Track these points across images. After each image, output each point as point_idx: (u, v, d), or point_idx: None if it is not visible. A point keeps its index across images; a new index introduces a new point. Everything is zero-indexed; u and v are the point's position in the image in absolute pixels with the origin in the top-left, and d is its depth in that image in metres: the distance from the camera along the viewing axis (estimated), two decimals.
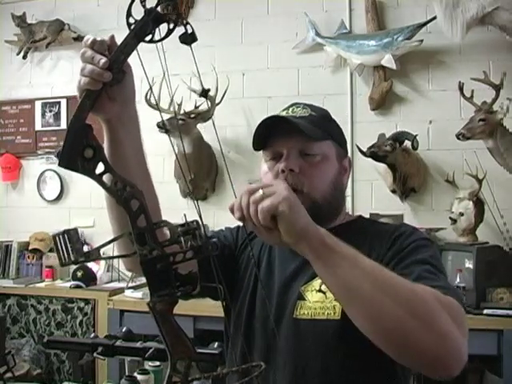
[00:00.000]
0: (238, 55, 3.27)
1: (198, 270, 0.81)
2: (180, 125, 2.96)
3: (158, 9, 0.73)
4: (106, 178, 0.72)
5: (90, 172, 0.70)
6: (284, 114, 1.14)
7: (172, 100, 3.08)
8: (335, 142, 1.14)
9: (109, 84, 0.78)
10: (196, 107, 3.04)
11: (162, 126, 2.86)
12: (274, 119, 1.10)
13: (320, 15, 3.14)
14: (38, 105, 3.66)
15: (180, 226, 0.68)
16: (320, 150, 1.10)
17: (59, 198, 3.60)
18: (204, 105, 3.04)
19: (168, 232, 0.70)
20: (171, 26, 0.73)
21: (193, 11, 3.41)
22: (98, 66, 0.78)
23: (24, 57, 3.66)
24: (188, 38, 0.74)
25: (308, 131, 1.07)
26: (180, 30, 0.75)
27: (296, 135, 1.07)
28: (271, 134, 1.11)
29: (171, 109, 2.96)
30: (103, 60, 0.77)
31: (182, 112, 3.00)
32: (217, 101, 3.00)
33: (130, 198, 0.69)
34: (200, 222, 0.68)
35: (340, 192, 1.15)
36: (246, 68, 3.26)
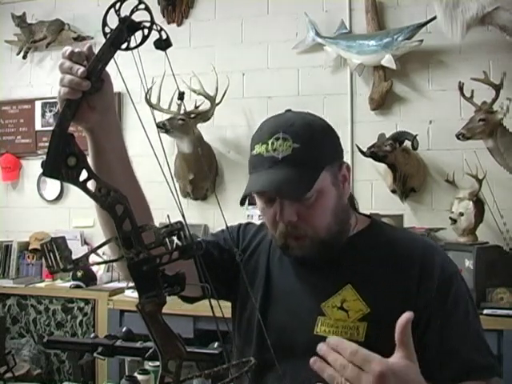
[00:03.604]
0: (238, 55, 3.27)
1: (196, 271, 0.81)
2: (180, 125, 2.96)
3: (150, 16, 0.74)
4: (90, 184, 0.73)
5: (73, 179, 0.72)
6: (263, 149, 1.03)
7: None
8: (328, 166, 1.04)
9: (88, 93, 0.80)
10: (196, 107, 3.04)
11: (161, 126, 2.87)
12: (257, 181, 1.03)
13: (320, 15, 3.13)
14: (37, 105, 3.66)
15: (164, 227, 0.68)
16: (313, 191, 1.02)
17: (59, 197, 3.60)
18: (204, 105, 3.04)
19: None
20: (146, 32, 0.75)
21: (193, 11, 3.41)
22: (77, 76, 0.79)
23: (24, 57, 3.66)
24: (162, 44, 0.76)
25: (293, 193, 1.00)
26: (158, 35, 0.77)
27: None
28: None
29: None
30: (81, 69, 0.79)
31: (181, 112, 3.01)
32: (217, 101, 3.01)
33: (115, 203, 0.70)
34: (184, 223, 0.69)
35: (344, 214, 1.10)
36: (246, 68, 3.26)
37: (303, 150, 1.01)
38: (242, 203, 1.08)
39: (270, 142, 1.02)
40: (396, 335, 0.80)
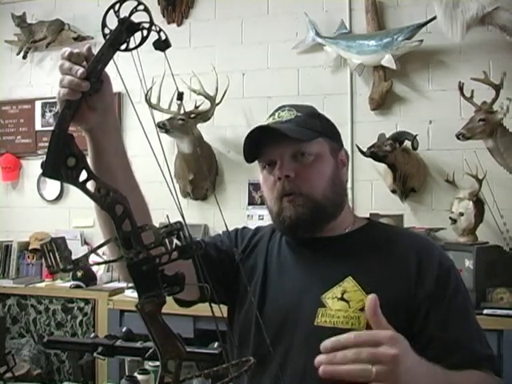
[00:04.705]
0: (238, 55, 3.27)
1: (195, 273, 0.81)
2: (180, 125, 2.96)
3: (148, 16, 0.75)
4: (89, 185, 0.73)
5: (73, 180, 0.72)
6: (271, 120, 1.14)
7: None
8: (326, 138, 1.13)
9: (87, 93, 0.81)
10: (196, 107, 3.04)
11: (161, 126, 2.87)
12: (260, 130, 1.10)
13: (320, 15, 3.13)
14: (37, 105, 3.66)
15: (164, 227, 0.69)
16: (312, 150, 1.10)
17: (59, 197, 3.60)
18: (204, 105, 3.04)
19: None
20: (145, 33, 0.75)
21: (193, 11, 3.41)
22: (76, 77, 0.79)
23: (24, 57, 3.66)
24: (161, 45, 0.76)
25: (295, 134, 1.07)
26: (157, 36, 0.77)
27: (285, 140, 1.07)
28: (261, 143, 1.11)
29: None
30: (80, 70, 0.79)
31: (181, 112, 3.01)
32: (217, 101, 3.01)
33: (114, 203, 0.70)
34: (183, 223, 0.69)
35: (340, 187, 1.15)
36: (246, 68, 3.26)
37: (305, 118, 1.12)
38: (249, 159, 1.14)
39: (276, 114, 1.15)
40: (369, 317, 0.79)
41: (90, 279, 3.08)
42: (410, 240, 1.14)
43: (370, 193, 3.02)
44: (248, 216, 3.11)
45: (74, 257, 0.70)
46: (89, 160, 0.84)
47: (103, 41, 0.77)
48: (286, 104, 1.17)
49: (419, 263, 1.07)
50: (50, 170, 0.72)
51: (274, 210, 1.13)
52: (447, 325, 1.02)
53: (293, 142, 1.07)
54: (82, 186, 0.72)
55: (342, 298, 1.04)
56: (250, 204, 3.17)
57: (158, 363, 1.66)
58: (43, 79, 3.62)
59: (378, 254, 1.10)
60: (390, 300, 1.02)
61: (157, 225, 0.72)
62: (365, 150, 2.76)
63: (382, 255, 1.09)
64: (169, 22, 3.37)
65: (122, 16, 0.75)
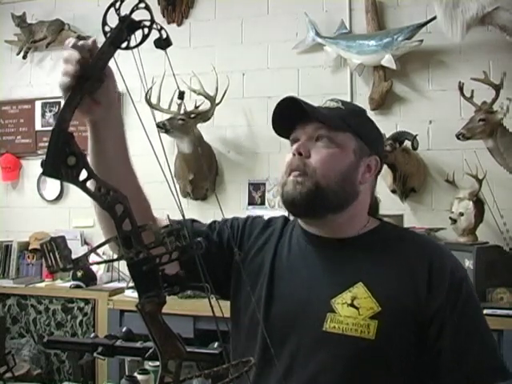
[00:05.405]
0: (238, 55, 3.27)
1: (192, 269, 0.81)
2: (180, 125, 2.96)
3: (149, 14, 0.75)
4: (89, 184, 0.73)
5: (73, 179, 0.72)
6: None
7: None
8: (358, 137, 1.12)
9: (89, 90, 0.81)
10: (196, 107, 3.04)
11: (161, 126, 2.87)
12: (289, 103, 1.10)
13: (320, 15, 3.14)
14: (37, 105, 3.66)
15: (164, 227, 0.68)
16: (335, 139, 1.09)
17: (59, 197, 3.60)
18: (204, 105, 3.04)
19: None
20: (146, 31, 0.75)
21: (193, 11, 3.41)
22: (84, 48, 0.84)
23: (24, 57, 3.66)
24: (162, 43, 0.76)
25: (322, 117, 1.08)
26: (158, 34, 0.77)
27: (314, 122, 1.09)
28: (295, 120, 1.13)
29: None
30: (89, 42, 0.84)
31: (181, 112, 3.01)
32: (217, 101, 3.01)
33: (114, 202, 0.70)
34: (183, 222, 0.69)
35: (351, 187, 1.11)
36: (246, 68, 3.26)
37: (345, 112, 1.13)
38: (282, 135, 1.16)
39: (323, 103, 1.18)
40: None
41: (90, 279, 3.08)
42: (422, 249, 1.11)
43: None
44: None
45: (73, 257, 0.70)
46: (88, 153, 0.84)
47: (104, 40, 0.76)
48: (339, 98, 1.18)
49: (429, 275, 1.04)
50: (50, 168, 0.72)
51: (280, 183, 1.13)
52: (458, 336, 1.01)
53: (320, 126, 1.09)
54: (82, 185, 0.72)
55: (351, 305, 1.03)
56: (249, 204, 3.17)
57: (157, 363, 1.66)
58: (43, 79, 3.62)
59: (388, 254, 1.08)
60: (399, 304, 1.02)
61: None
62: None
63: (393, 254, 1.08)
64: (169, 22, 3.37)
65: (122, 14, 0.75)
